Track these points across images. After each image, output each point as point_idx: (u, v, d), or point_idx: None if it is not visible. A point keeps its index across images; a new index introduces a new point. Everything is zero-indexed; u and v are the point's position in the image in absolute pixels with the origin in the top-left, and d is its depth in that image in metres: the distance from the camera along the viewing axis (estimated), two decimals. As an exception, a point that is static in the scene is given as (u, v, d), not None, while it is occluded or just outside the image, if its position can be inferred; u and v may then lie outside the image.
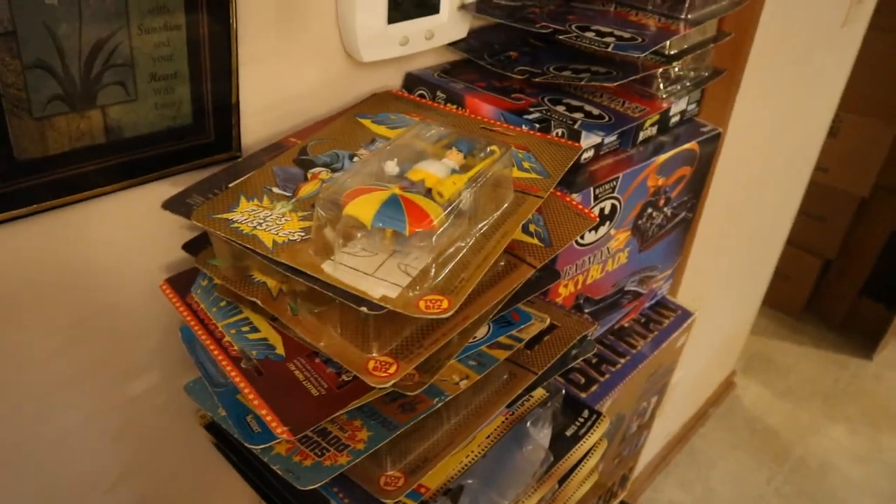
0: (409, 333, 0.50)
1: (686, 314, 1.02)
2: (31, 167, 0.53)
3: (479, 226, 0.53)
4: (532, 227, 0.61)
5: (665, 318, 1.01)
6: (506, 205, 0.56)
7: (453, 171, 0.53)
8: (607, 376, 0.89)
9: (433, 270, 0.48)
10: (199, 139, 0.62)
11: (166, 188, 0.60)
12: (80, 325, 0.61)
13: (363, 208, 0.48)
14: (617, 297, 0.91)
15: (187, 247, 0.60)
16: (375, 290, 0.46)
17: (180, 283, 0.61)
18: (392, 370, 0.47)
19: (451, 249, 0.50)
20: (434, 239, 0.48)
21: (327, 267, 0.48)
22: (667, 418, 1.84)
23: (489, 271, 0.56)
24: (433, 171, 0.53)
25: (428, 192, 0.51)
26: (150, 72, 0.57)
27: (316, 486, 0.50)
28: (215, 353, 0.55)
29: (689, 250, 1.08)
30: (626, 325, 0.98)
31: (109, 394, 0.67)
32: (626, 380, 0.90)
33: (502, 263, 0.57)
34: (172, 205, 0.55)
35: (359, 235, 0.49)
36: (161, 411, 0.73)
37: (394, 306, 0.46)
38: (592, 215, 0.64)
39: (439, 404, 0.55)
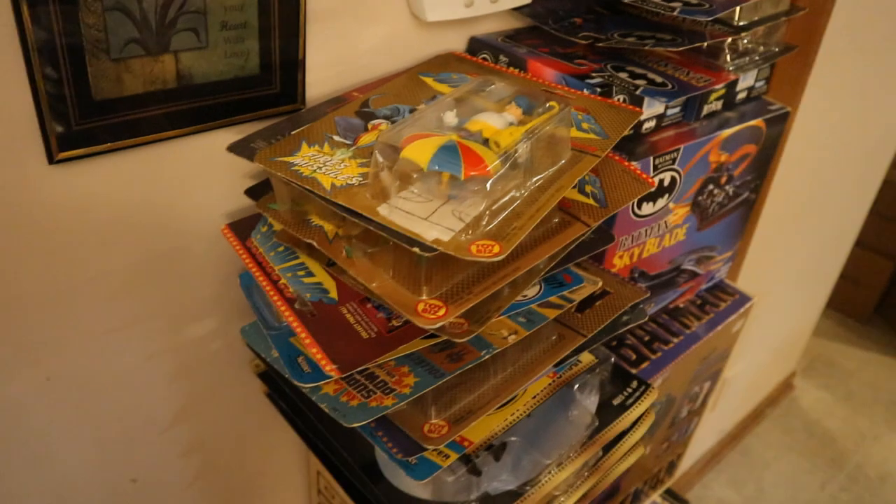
0: (459, 279, 0.51)
1: (744, 298, 1.00)
2: (106, 107, 0.55)
3: (534, 179, 0.53)
4: (588, 188, 0.61)
5: (722, 301, 0.99)
6: (562, 161, 0.56)
7: (511, 124, 0.54)
8: (659, 354, 0.88)
9: (486, 217, 0.48)
10: (265, 90, 0.64)
11: (231, 136, 0.62)
12: (142, 265, 0.63)
13: (420, 152, 0.48)
14: (673, 276, 0.90)
15: (249, 192, 0.62)
16: (429, 232, 0.47)
17: (241, 228, 0.63)
18: (441, 313, 0.48)
19: (505, 199, 0.50)
20: (489, 185, 0.48)
21: (383, 210, 0.49)
22: (721, 414, 1.81)
23: (542, 226, 0.56)
24: (491, 122, 0.53)
25: (485, 142, 0.51)
26: (221, 20, 0.59)
27: (361, 424, 0.51)
28: (271, 294, 0.56)
29: (751, 235, 1.06)
30: (682, 305, 0.97)
31: (168, 336, 0.70)
32: (679, 359, 0.89)
33: (556, 220, 0.57)
34: (237, 148, 0.57)
35: (415, 179, 0.49)
36: (216, 358, 0.75)
37: (445, 249, 0.46)
38: (651, 181, 0.63)
39: (486, 356, 0.55)
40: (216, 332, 0.73)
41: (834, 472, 2.00)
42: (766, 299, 1.51)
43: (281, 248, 0.60)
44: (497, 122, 0.53)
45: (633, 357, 0.87)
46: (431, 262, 0.49)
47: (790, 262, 1.61)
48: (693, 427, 1.15)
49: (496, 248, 0.46)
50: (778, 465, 2.00)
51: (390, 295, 0.49)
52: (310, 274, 0.58)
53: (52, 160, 0.54)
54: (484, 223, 0.48)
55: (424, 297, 0.49)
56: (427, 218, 0.48)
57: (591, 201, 0.60)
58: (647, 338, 0.90)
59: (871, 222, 2.00)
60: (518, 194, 0.51)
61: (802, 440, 2.08)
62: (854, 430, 2.13)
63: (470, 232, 0.47)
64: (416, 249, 0.46)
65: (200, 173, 0.63)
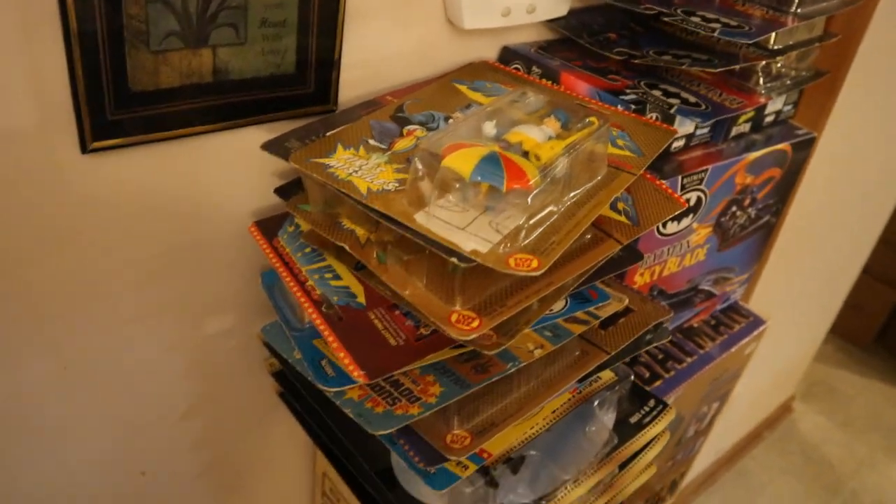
0: (493, 292, 0.50)
1: (758, 321, 0.99)
2: (142, 99, 0.55)
3: (572, 194, 0.52)
4: (620, 206, 0.61)
5: (736, 322, 0.99)
6: (599, 177, 0.56)
7: (550, 138, 0.53)
8: (672, 373, 0.88)
9: (525, 230, 0.48)
10: (299, 89, 0.63)
11: (262, 133, 0.62)
12: (166, 258, 0.63)
13: (462, 161, 0.48)
14: (690, 295, 0.90)
15: (279, 191, 0.61)
16: (466, 243, 0.47)
17: (267, 227, 0.63)
18: (475, 325, 0.47)
19: (544, 213, 0.50)
20: (529, 199, 0.48)
21: (420, 217, 0.49)
22: (718, 435, 1.80)
23: (576, 242, 0.56)
24: (531, 134, 0.53)
25: (525, 155, 0.51)
26: (261, 17, 0.58)
27: (386, 431, 0.50)
28: (298, 294, 0.56)
29: (767, 258, 1.06)
30: (696, 325, 0.97)
31: (186, 330, 0.69)
32: (691, 379, 0.89)
33: (588, 237, 0.57)
34: (271, 146, 0.56)
35: (454, 189, 0.49)
36: (231, 354, 0.74)
37: (484, 261, 0.46)
38: (682, 200, 0.63)
39: (512, 369, 0.55)
40: (234, 329, 0.73)
41: (829, 497, 1.99)
42: (773, 322, 1.51)
43: (308, 250, 0.60)
44: (537, 135, 0.52)
45: (647, 375, 0.87)
46: (466, 273, 0.48)
47: (799, 287, 1.61)
48: (698, 447, 1.14)
49: (535, 263, 0.46)
50: (773, 488, 1.99)
51: (423, 304, 0.49)
52: (337, 277, 0.57)
53: (85, 149, 0.53)
54: (522, 236, 0.48)
55: (458, 308, 0.48)
56: (464, 228, 0.48)
57: (623, 219, 0.59)
58: (661, 356, 0.90)
59: (877, 250, 2.00)
60: (556, 209, 0.50)
61: (799, 464, 2.07)
62: (851, 456, 2.13)
63: (508, 245, 0.47)
64: (453, 260, 0.46)
65: (229, 170, 0.63)
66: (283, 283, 0.65)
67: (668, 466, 1.09)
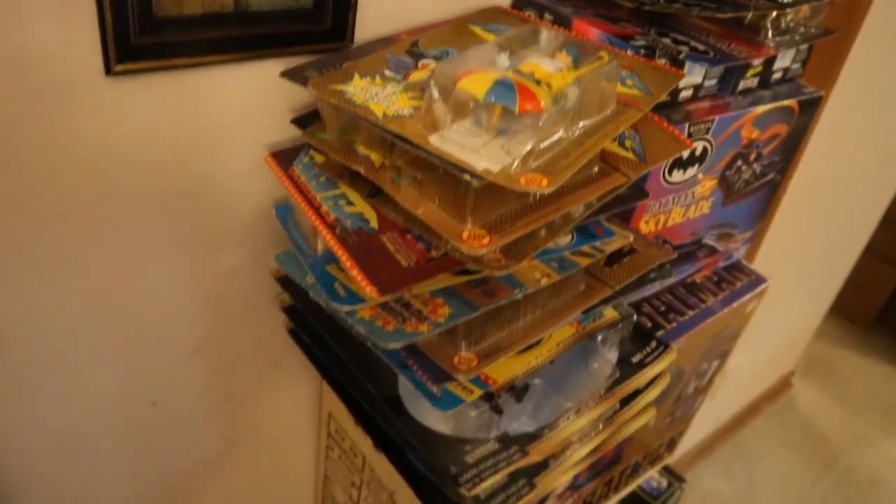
0: (502, 213, 0.52)
1: (760, 280, 1.01)
2: (165, 25, 0.56)
3: (581, 123, 0.54)
4: (628, 143, 0.62)
5: (738, 280, 1.00)
6: (608, 112, 0.57)
7: (561, 69, 0.55)
8: (674, 324, 0.90)
9: (535, 153, 0.49)
10: (316, 25, 0.65)
11: (279, 67, 0.63)
12: (181, 187, 0.64)
13: (477, 84, 0.49)
14: (693, 249, 0.91)
15: (296, 121, 0.63)
16: (479, 163, 0.48)
17: (283, 157, 0.64)
18: (485, 241, 0.49)
19: (554, 138, 0.51)
20: (540, 122, 0.49)
21: (434, 139, 0.50)
22: (719, 405, 1.82)
23: (583, 173, 0.58)
24: (543, 65, 0.54)
25: (537, 84, 0.52)
26: (282, -50, 0.60)
27: (397, 345, 0.52)
28: (312, 218, 0.57)
29: (771, 220, 1.07)
30: (699, 280, 0.98)
31: (200, 263, 0.71)
32: (693, 331, 0.90)
33: (596, 169, 0.59)
34: (290, 74, 0.58)
35: (467, 111, 0.50)
36: (243, 290, 0.76)
37: (495, 179, 0.47)
38: (688, 142, 0.64)
39: (519, 295, 0.57)
40: (246, 264, 0.74)
41: (825, 471, 2.02)
42: (775, 291, 1.52)
43: (322, 179, 0.61)
44: (548, 66, 0.54)
45: (649, 325, 0.89)
46: (478, 194, 0.50)
47: (802, 257, 1.62)
48: (697, 405, 1.16)
49: (545, 182, 0.48)
50: (771, 460, 2.02)
51: (436, 221, 0.50)
52: (350, 204, 0.59)
53: (109, 71, 0.55)
54: (533, 158, 0.49)
55: (469, 226, 0.50)
56: (477, 150, 0.50)
57: (630, 155, 0.61)
58: (663, 308, 0.92)
59: (881, 229, 2.01)
60: (566, 135, 0.52)
61: (797, 438, 2.10)
62: (849, 432, 2.15)
63: (519, 165, 0.49)
64: (466, 177, 0.47)
65: (246, 102, 0.64)
66: (296, 215, 0.67)
67: (668, 423, 1.11)
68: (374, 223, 0.57)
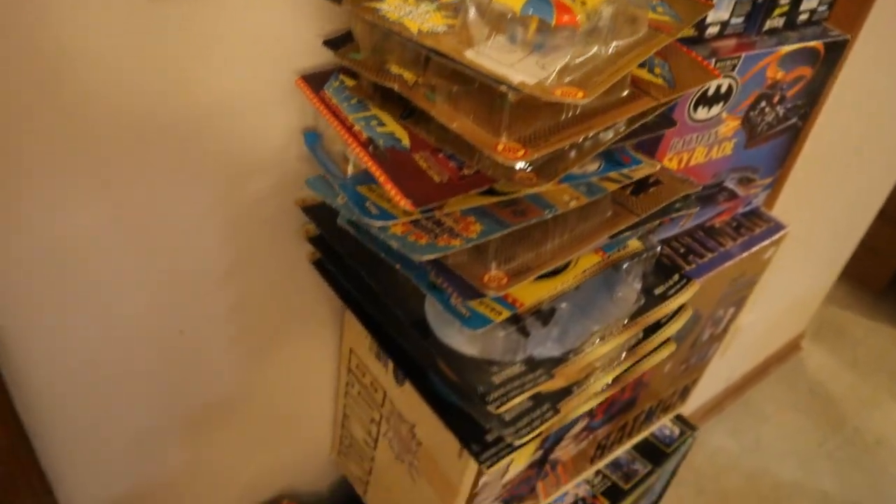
0: (536, 129, 0.52)
1: (779, 226, 1.01)
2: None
3: (614, 43, 0.54)
4: (657, 70, 0.62)
5: (757, 226, 1.01)
6: (640, 34, 0.57)
7: (596, -11, 0.55)
8: (693, 266, 0.90)
9: (570, 68, 0.50)
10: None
11: (313, -10, 0.63)
12: (211, 110, 0.65)
13: (513, -3, 0.50)
14: (714, 192, 0.92)
15: (328, 43, 0.63)
16: (515, 76, 0.49)
17: (314, 81, 0.65)
18: (520, 154, 0.50)
19: (589, 54, 0.51)
20: (576, 37, 0.50)
21: (469, 54, 0.51)
22: (729, 364, 1.84)
23: (614, 95, 0.58)
24: (578, -17, 0.54)
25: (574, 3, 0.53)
26: None
27: (430, 257, 0.53)
28: (346, 137, 0.58)
29: (791, 168, 1.07)
30: (718, 225, 0.99)
31: (226, 191, 0.71)
32: (711, 273, 0.91)
33: (626, 93, 0.59)
34: (325, -7, 0.58)
35: (503, 26, 0.51)
36: (269, 220, 0.77)
37: (531, 91, 0.48)
38: (716, 71, 0.64)
39: (549, 215, 0.57)
40: (273, 193, 0.75)
41: (832, 432, 2.04)
42: (789, 248, 1.52)
43: (353, 101, 0.62)
44: (584, -16, 0.54)
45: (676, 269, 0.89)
46: (513, 108, 0.51)
47: (817, 216, 1.62)
48: (711, 354, 1.17)
49: (580, 94, 0.48)
50: (778, 419, 2.04)
51: (471, 134, 0.51)
52: (382, 124, 0.60)
53: (147, -14, 0.55)
54: (567, 73, 0.50)
55: (504, 139, 0.51)
56: (513, 65, 0.50)
57: (660, 81, 0.61)
58: (682, 250, 0.92)
59: (894, 194, 2.01)
60: (600, 52, 0.52)
61: (805, 400, 2.12)
62: (856, 395, 2.16)
63: (555, 79, 0.49)
64: (503, 88, 0.48)
65: (276, 26, 0.64)
66: (325, 142, 0.68)
67: (682, 370, 1.12)
68: (406, 142, 0.58)
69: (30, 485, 0.76)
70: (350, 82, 0.64)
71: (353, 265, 0.70)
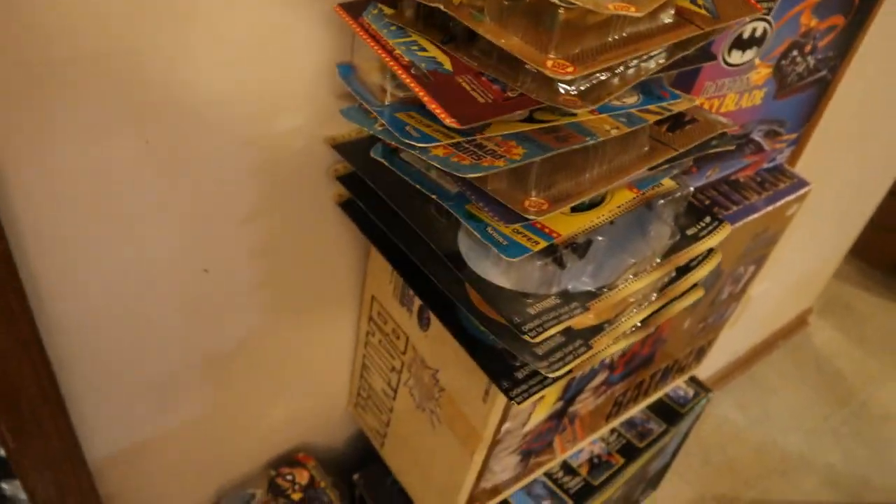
0: (584, 48, 0.52)
1: (802, 182, 1.01)
2: None
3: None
4: (700, 1, 0.62)
5: (781, 182, 1.00)
6: (686, -40, 0.57)
7: None
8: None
9: (621, -16, 0.49)
10: None
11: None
12: (249, 40, 0.64)
13: None
14: (741, 143, 0.91)
15: (368, -32, 0.62)
16: (566, -9, 0.48)
17: (352, 8, 0.64)
18: (569, 70, 0.49)
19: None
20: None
21: (519, -31, 0.50)
22: (737, 336, 1.84)
23: (658, 21, 0.57)
24: None
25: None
26: None
27: (475, 175, 0.53)
28: (388, 61, 0.58)
29: (816, 125, 1.06)
30: (742, 180, 0.98)
31: (258, 125, 0.71)
32: (736, 226, 0.91)
33: (670, 20, 0.58)
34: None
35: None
36: (297, 157, 0.76)
37: (584, 3, 0.47)
38: (759, 6, 0.64)
39: (591, 142, 0.57)
40: (302, 129, 0.74)
41: (839, 407, 2.05)
42: (801, 216, 1.52)
43: (393, 27, 0.61)
44: None
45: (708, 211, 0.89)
46: (562, 26, 0.50)
47: (834, 183, 1.61)
48: (728, 314, 1.17)
49: (633, 8, 0.48)
50: (785, 393, 2.04)
51: (520, 50, 0.50)
52: (423, 50, 0.59)
53: None
54: (618, -10, 0.49)
55: (553, 56, 0.50)
56: (563, -19, 0.49)
57: (703, 12, 0.60)
58: (707, 202, 0.92)
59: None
60: (649, -27, 0.52)
61: (812, 374, 2.12)
62: (863, 371, 2.17)
63: (606, -5, 0.48)
64: (556, 0, 0.47)
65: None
66: (360, 73, 0.67)
67: (700, 329, 1.12)
68: (448, 66, 0.57)
69: (54, 420, 0.76)
70: (389, 10, 0.63)
71: (385, 200, 0.70)
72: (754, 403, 1.99)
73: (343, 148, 0.74)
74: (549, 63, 0.49)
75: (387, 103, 0.62)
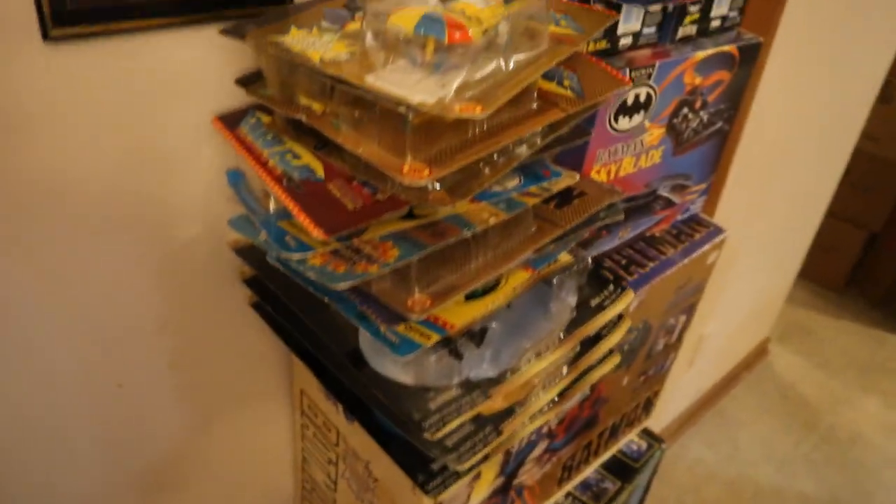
0: (442, 148, 0.53)
1: (718, 230, 1.02)
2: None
3: (515, 57, 0.55)
4: (566, 83, 0.63)
5: (697, 231, 1.02)
6: (541, 48, 0.58)
7: (490, 6, 0.56)
8: (635, 276, 0.91)
9: (470, 84, 0.50)
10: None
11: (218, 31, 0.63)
12: (128, 160, 0.64)
13: (406, 19, 0.50)
14: (649, 201, 0.93)
15: (240, 81, 0.63)
16: (414, 96, 0.49)
17: (230, 120, 0.65)
18: (425, 174, 0.50)
19: (488, 70, 0.52)
20: (471, 52, 0.50)
21: (370, 79, 0.51)
22: (698, 375, 1.84)
23: (523, 108, 0.59)
24: (473, 2, 0.55)
25: (467, 19, 0.53)
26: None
27: (346, 285, 0.53)
28: (261, 173, 0.58)
29: (726, 172, 1.09)
30: (658, 234, 0.99)
31: (156, 240, 0.70)
32: (655, 282, 0.91)
33: (535, 106, 0.60)
34: (229, 31, 0.58)
35: (400, 49, 0.51)
36: (202, 265, 0.76)
37: (430, 109, 0.48)
38: (625, 78, 0.65)
39: (468, 233, 0.57)
40: (202, 238, 0.74)
41: (807, 432, 2.04)
42: (740, 253, 1.54)
43: (269, 136, 0.62)
44: (478, 2, 0.55)
45: (611, 279, 0.90)
46: (416, 129, 0.51)
47: (764, 217, 1.64)
48: (669, 364, 1.17)
49: (478, 109, 0.48)
50: (753, 426, 2.04)
51: (377, 158, 0.51)
52: (297, 157, 0.60)
53: (46, 36, 0.55)
54: (467, 90, 0.50)
55: (409, 161, 0.51)
56: (413, 86, 0.50)
57: (568, 93, 0.62)
58: (623, 261, 0.93)
59: (843, 192, 2.05)
60: (499, 69, 0.53)
61: (777, 403, 2.12)
62: (828, 394, 2.18)
63: (454, 96, 0.49)
64: (402, 109, 0.48)
65: (189, 68, 0.64)
66: (247, 179, 0.67)
67: (641, 381, 1.12)
68: (320, 173, 0.58)
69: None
70: (266, 118, 0.64)
71: (287, 303, 0.69)
72: (723, 440, 1.98)
73: (245, 252, 0.74)
74: (405, 168, 0.50)
75: (272, 210, 0.63)
